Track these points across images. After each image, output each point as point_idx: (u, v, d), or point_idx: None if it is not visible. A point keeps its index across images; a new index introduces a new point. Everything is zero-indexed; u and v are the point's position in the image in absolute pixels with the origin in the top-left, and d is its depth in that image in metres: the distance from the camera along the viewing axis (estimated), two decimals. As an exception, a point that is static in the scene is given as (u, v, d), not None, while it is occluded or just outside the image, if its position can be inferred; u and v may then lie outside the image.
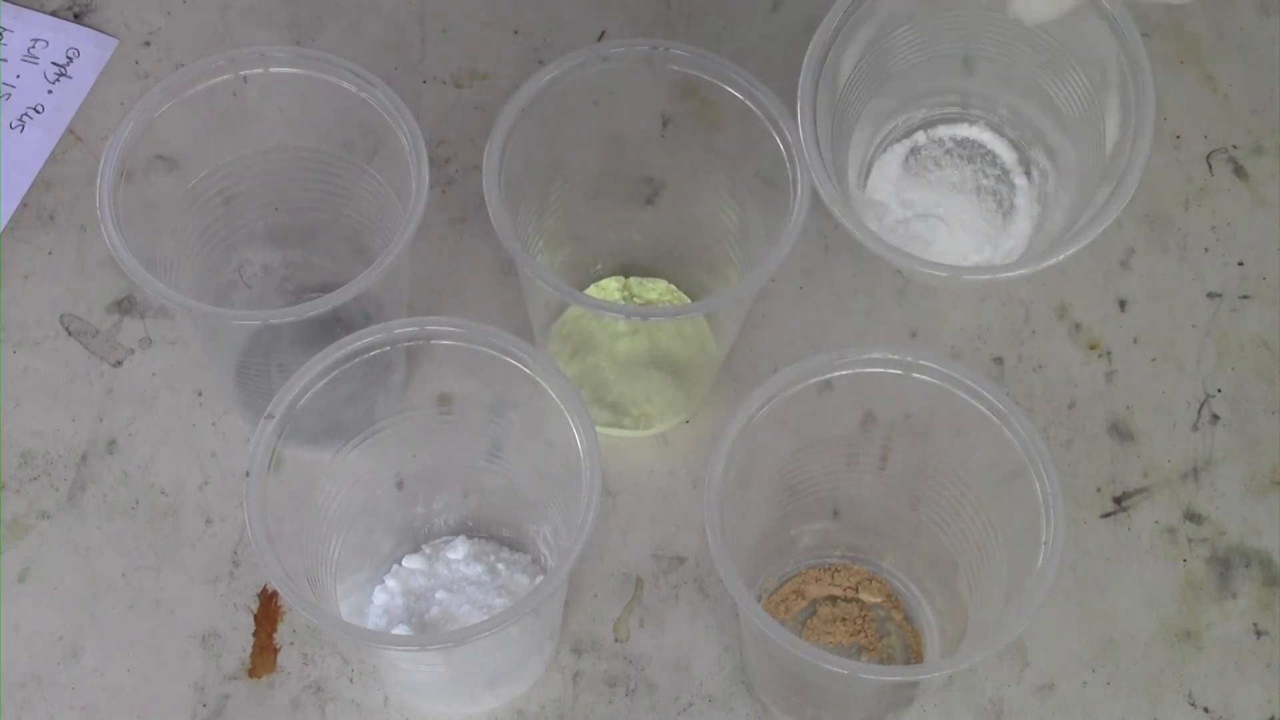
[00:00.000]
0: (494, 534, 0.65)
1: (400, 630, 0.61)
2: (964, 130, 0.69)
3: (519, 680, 0.62)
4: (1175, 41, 0.77)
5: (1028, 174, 0.68)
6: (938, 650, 0.63)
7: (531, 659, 0.62)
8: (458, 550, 0.64)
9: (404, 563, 0.63)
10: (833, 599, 0.65)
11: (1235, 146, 0.75)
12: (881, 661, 0.64)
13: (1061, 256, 0.59)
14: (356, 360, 0.56)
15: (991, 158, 0.69)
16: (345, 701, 0.63)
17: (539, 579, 0.63)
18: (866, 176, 0.69)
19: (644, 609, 0.65)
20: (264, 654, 0.64)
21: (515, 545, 0.64)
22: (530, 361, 0.56)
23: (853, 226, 0.58)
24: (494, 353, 0.56)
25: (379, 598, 0.63)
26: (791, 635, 0.52)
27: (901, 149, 0.69)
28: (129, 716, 0.62)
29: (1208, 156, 0.75)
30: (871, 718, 0.62)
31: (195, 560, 0.65)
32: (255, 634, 0.64)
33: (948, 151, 0.69)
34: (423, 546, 0.64)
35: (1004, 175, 0.69)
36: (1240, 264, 0.72)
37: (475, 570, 0.63)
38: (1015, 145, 0.69)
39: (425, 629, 0.61)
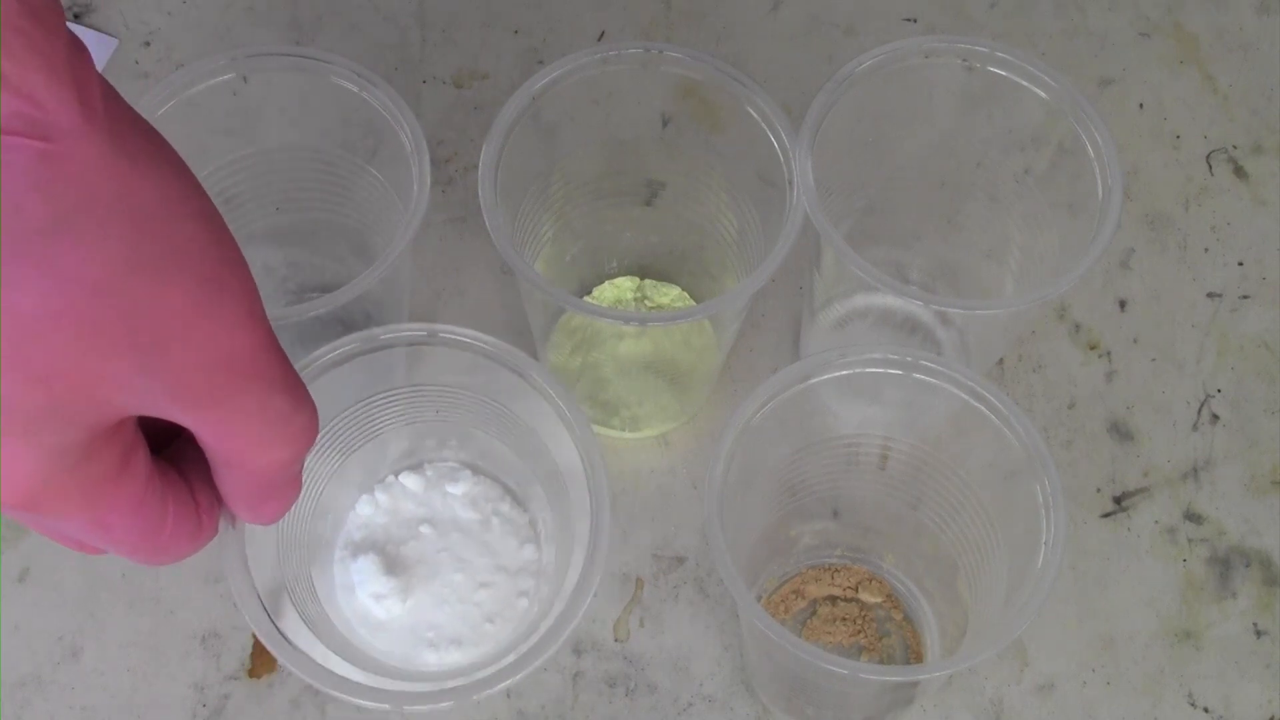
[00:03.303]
0: (500, 480, 0.62)
1: (371, 558, 0.60)
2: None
3: (469, 652, 0.60)
4: (1175, 41, 0.78)
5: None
6: (938, 650, 0.63)
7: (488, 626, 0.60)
8: (459, 486, 0.61)
9: (401, 478, 0.62)
10: (833, 599, 0.65)
11: (1235, 146, 0.75)
12: (881, 661, 0.64)
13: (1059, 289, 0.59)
14: (355, 361, 0.56)
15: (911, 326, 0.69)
16: (345, 701, 0.63)
17: (527, 547, 0.61)
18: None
19: (644, 609, 0.65)
20: (264, 654, 0.64)
21: (519, 500, 0.62)
22: (539, 381, 0.55)
23: (858, 269, 0.58)
24: (500, 367, 0.56)
25: (363, 508, 0.61)
26: (791, 635, 0.52)
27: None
28: (129, 716, 0.62)
29: (1208, 156, 0.75)
30: (872, 718, 0.62)
31: (195, 560, 0.65)
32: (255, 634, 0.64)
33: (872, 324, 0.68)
34: (425, 467, 0.62)
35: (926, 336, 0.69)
36: (1240, 264, 0.72)
37: (469, 516, 0.61)
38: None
39: (398, 562, 0.60)
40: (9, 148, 0.34)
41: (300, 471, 0.43)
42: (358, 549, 0.60)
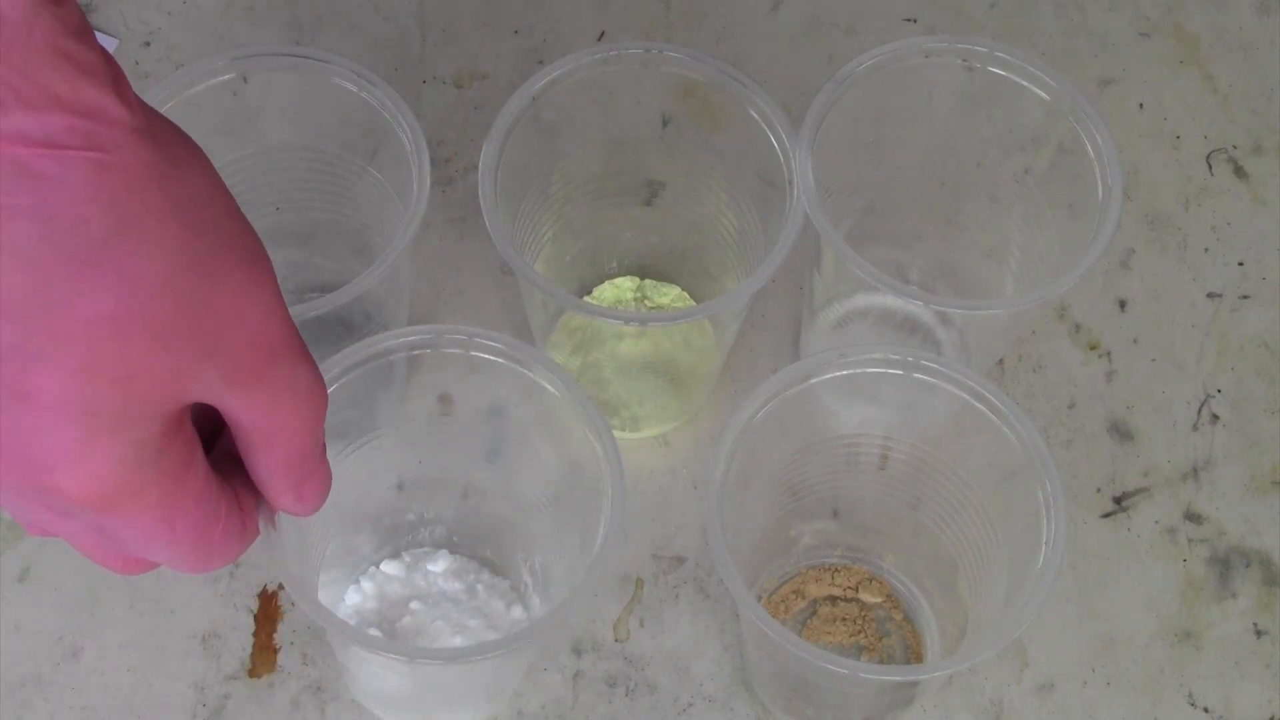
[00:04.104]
0: (477, 554, 0.64)
1: (370, 634, 0.61)
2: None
3: (484, 707, 0.62)
4: (1175, 41, 0.78)
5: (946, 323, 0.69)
6: (938, 650, 0.63)
7: (503, 687, 0.61)
8: (439, 564, 0.63)
9: (382, 566, 0.63)
10: (833, 599, 0.65)
11: (1235, 146, 0.75)
12: (881, 661, 0.64)
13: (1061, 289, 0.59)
14: (365, 367, 0.56)
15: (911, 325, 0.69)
16: (345, 701, 0.63)
17: (515, 607, 0.62)
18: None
19: (644, 609, 0.65)
20: (264, 654, 0.64)
21: (496, 569, 0.64)
22: (552, 377, 0.55)
23: (858, 269, 0.58)
24: (516, 366, 0.56)
25: (351, 598, 0.62)
26: (791, 635, 0.52)
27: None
28: (129, 716, 0.62)
29: (1208, 156, 0.75)
30: (872, 718, 0.62)
31: (195, 560, 0.65)
32: (255, 634, 0.64)
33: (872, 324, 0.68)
34: (403, 554, 0.64)
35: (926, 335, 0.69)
36: (1240, 264, 0.72)
37: (454, 587, 0.62)
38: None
39: (395, 637, 0.61)
40: (68, 162, 0.36)
41: (325, 451, 0.45)
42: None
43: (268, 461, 0.43)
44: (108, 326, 0.36)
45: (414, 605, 0.62)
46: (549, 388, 0.55)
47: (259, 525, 0.46)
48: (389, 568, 0.63)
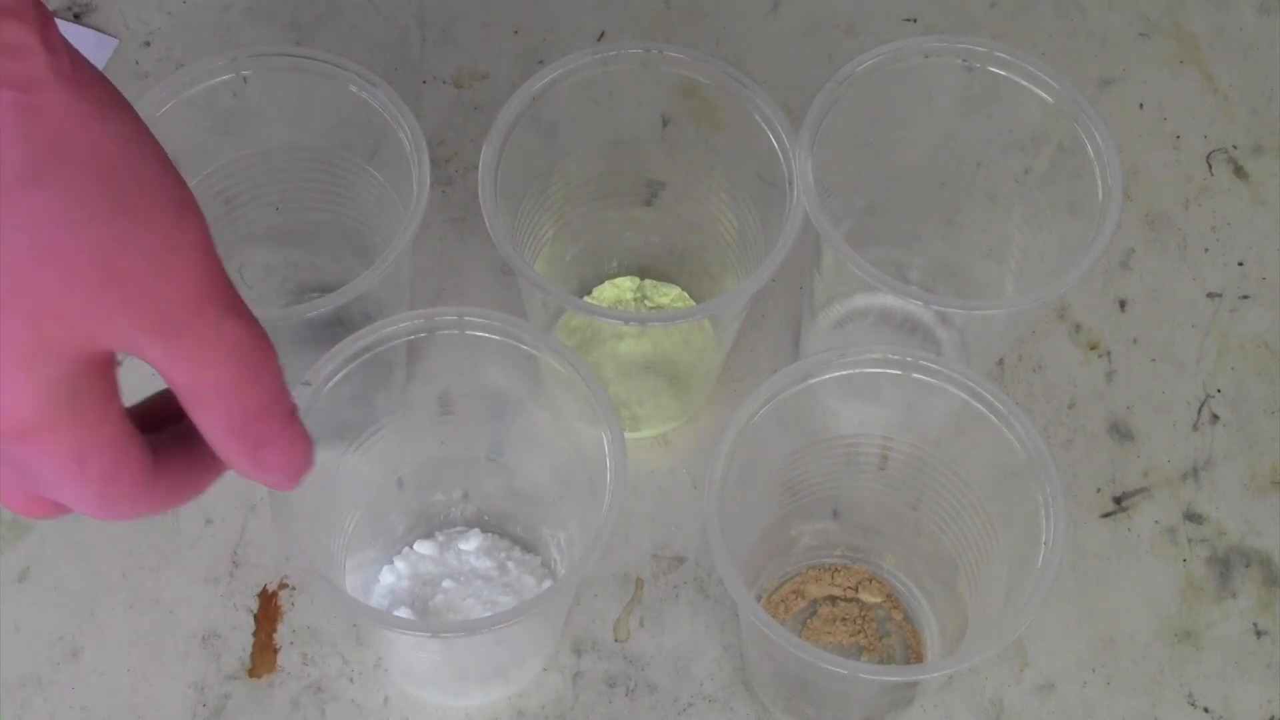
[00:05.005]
0: (508, 532, 0.65)
1: (402, 614, 0.61)
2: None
3: (513, 679, 0.62)
4: (1175, 41, 0.78)
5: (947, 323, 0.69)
6: (938, 650, 0.63)
7: (529, 660, 0.62)
8: (470, 542, 0.64)
9: (415, 546, 0.64)
10: (833, 599, 0.65)
11: (1235, 146, 0.75)
12: (881, 661, 0.64)
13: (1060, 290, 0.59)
14: (375, 352, 0.56)
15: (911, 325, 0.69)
16: (345, 701, 0.63)
17: (546, 583, 0.63)
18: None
19: (644, 609, 0.65)
20: (264, 654, 0.64)
21: (528, 546, 0.64)
22: (561, 359, 0.56)
23: (858, 269, 0.58)
24: (525, 347, 0.56)
25: (386, 578, 0.63)
26: (791, 635, 0.52)
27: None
28: (129, 716, 0.62)
29: (1208, 156, 0.75)
30: (872, 718, 0.62)
31: (195, 560, 0.65)
32: (255, 634, 0.64)
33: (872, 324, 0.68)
34: (436, 533, 0.64)
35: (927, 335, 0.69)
36: (1240, 264, 0.72)
37: (485, 565, 0.63)
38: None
39: (427, 615, 0.61)
40: None
41: (293, 417, 0.43)
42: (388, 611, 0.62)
43: (209, 421, 0.41)
44: (20, 263, 0.37)
45: (446, 584, 0.62)
46: (544, 358, 0.56)
47: (181, 491, 0.44)
48: (422, 547, 0.64)
